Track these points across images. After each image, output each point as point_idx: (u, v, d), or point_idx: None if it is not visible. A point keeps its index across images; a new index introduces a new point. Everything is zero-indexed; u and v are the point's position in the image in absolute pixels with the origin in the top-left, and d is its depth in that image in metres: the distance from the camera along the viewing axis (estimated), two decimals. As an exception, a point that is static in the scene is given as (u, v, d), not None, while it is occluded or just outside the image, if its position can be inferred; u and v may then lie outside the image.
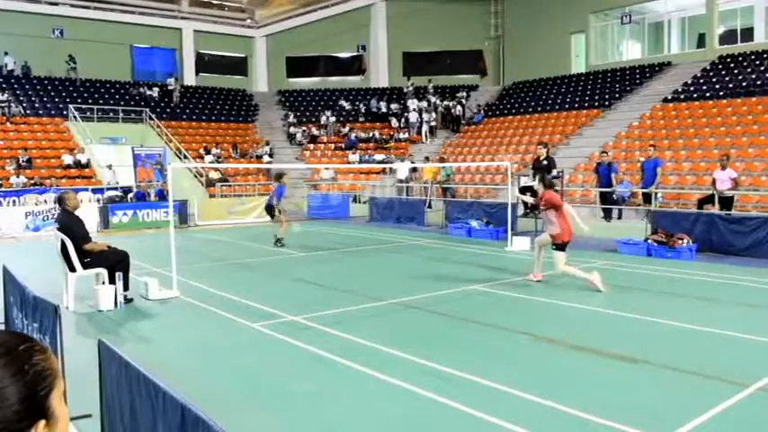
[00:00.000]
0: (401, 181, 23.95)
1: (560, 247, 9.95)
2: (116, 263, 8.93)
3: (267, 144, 31.23)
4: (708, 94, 24.52)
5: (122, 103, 32.18)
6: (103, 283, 8.84)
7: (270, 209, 16.15)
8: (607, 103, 27.85)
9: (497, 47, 36.96)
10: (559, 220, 9.91)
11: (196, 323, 8.15)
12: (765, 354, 6.47)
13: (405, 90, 35.58)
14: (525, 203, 15.59)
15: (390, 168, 27.75)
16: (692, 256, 12.88)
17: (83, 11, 34.47)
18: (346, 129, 33.20)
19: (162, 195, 21.70)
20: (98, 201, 21.07)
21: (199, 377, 5.96)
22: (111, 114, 30.84)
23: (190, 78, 37.75)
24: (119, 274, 8.81)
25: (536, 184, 13.05)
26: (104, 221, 19.43)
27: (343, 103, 36.09)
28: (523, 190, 15.64)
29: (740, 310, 8.50)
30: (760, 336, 7.06)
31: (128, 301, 8.99)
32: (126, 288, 8.98)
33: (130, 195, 22.02)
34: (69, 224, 8.77)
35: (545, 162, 15.23)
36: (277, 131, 34.77)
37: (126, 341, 7.28)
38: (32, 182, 23.30)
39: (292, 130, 34.00)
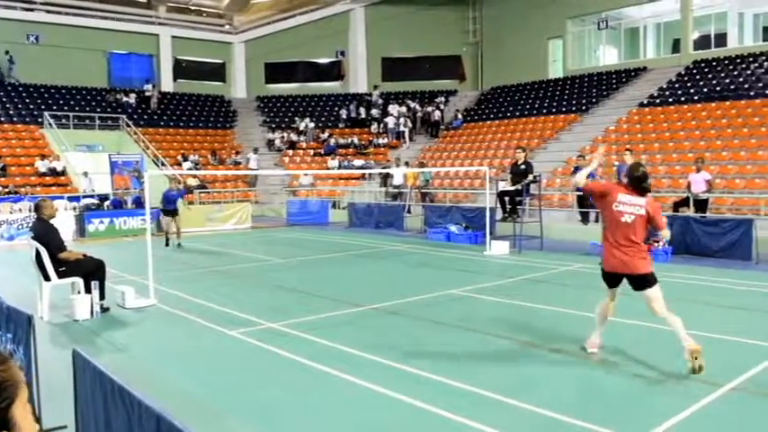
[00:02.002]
0: (396, 186, 23.93)
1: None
2: (92, 271, 8.84)
3: (255, 151, 30.99)
4: (683, 99, 24.83)
5: (99, 109, 31.86)
6: (79, 292, 8.74)
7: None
8: (584, 107, 28.10)
9: (476, 52, 37.16)
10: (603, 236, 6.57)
11: (173, 331, 8.09)
12: (739, 354, 6.56)
13: (373, 98, 35.69)
14: (504, 208, 15.70)
15: (372, 174, 27.79)
16: (668, 258, 13.03)
17: (58, 17, 34.13)
18: (325, 134, 33.17)
19: (139, 203, 21.52)
20: (74, 209, 20.83)
21: (176, 386, 5.92)
22: (88, 121, 30.55)
23: (167, 84, 37.50)
24: (95, 283, 8.71)
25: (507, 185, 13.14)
26: (80, 230, 19.22)
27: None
28: (502, 194, 15.75)
29: (714, 311, 8.61)
30: (733, 336, 7.15)
31: (104, 310, 8.89)
32: (102, 297, 8.89)
33: (107, 203, 21.79)
34: (44, 233, 8.67)
35: (523, 166, 15.29)
36: (256, 137, 34.65)
37: (102, 351, 7.20)
38: (7, 190, 23.02)
39: (271, 136, 33.91)
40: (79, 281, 8.76)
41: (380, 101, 35.43)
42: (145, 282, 9.87)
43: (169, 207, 17.07)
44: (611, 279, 6.35)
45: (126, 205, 21.84)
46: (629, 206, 6.02)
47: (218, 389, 5.84)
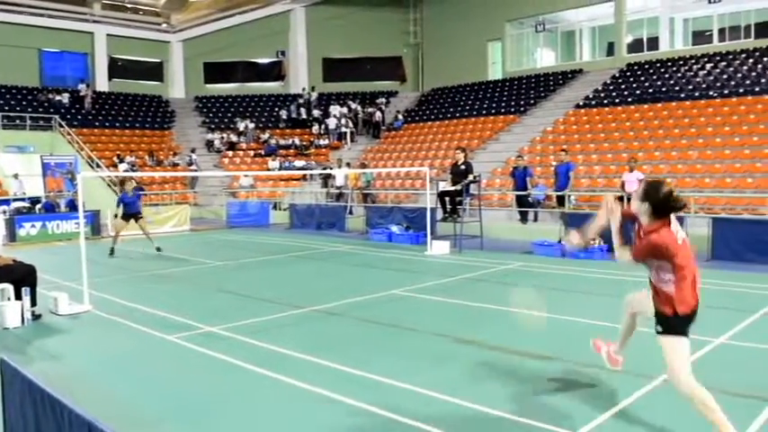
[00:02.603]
0: (338, 187, 23.88)
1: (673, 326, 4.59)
2: (22, 277, 8.54)
3: (193, 151, 30.49)
4: (617, 100, 25.54)
5: (30, 109, 30.79)
6: (9, 299, 8.43)
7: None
8: (523, 108, 28.60)
9: (416, 53, 37.45)
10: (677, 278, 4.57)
11: (109, 338, 7.88)
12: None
13: (304, 97, 35.60)
14: (444, 208, 15.84)
15: (313, 175, 27.69)
16: (604, 256, 13.35)
17: (-15, 13, 32.92)
18: (266, 135, 32.88)
19: (73, 206, 20.88)
20: (4, 212, 20.09)
21: (111, 393, 5.77)
22: (18, 122, 29.52)
23: (102, 84, 36.54)
24: (25, 289, 8.42)
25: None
26: (11, 234, 18.52)
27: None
28: (443, 194, 15.89)
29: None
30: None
31: (36, 317, 8.60)
32: (33, 304, 8.60)
33: (39, 206, 21.09)
34: (-29, 237, 8.36)
35: (463, 167, 15.47)
36: (194, 138, 34.09)
37: (34, 359, 6.98)
38: (-69, 193, 22.09)
39: (210, 136, 33.43)
40: (9, 287, 8.44)
41: (315, 102, 35.37)
42: (79, 287, 9.59)
43: (131, 210, 16.13)
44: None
45: (59, 208, 21.19)
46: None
47: (154, 395, 5.72)
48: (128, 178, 17.38)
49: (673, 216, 4.66)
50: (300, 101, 35.61)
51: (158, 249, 15.71)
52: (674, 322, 4.54)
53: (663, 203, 4.57)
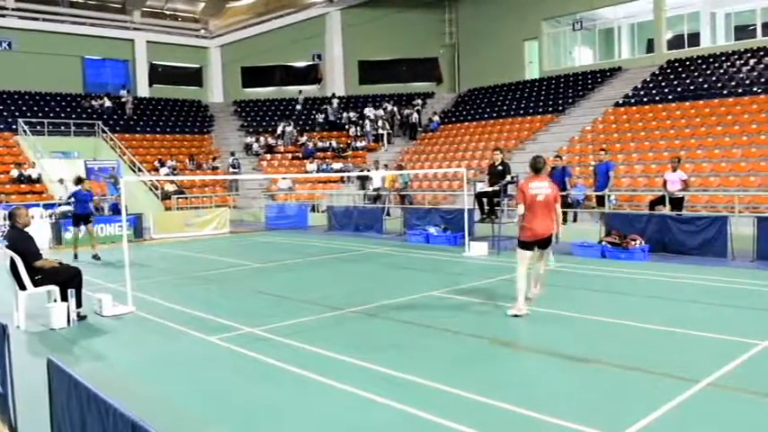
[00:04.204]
0: (376, 189, 23.96)
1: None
2: (68, 279, 8.74)
3: (233, 155, 30.89)
4: (657, 98, 25.10)
5: (74, 116, 31.55)
6: (55, 300, 8.64)
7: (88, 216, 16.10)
8: (560, 108, 28.30)
9: (452, 54, 37.32)
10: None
11: (152, 338, 8.03)
12: (715, 350, 6.63)
13: (333, 106, 35.78)
14: (482, 209, 15.76)
15: (350, 177, 27.80)
16: (645, 257, 13.15)
17: (32, 23, 33.78)
18: (303, 138, 33.11)
19: (116, 209, 21.31)
20: (50, 216, 20.60)
21: (155, 393, 5.87)
22: (63, 128, 30.23)
23: (143, 90, 37.24)
24: (71, 291, 8.62)
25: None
26: (57, 237, 19.00)
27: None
28: (480, 195, 15.82)
29: (690, 308, 8.71)
30: (709, 332, 7.24)
31: (81, 318, 8.80)
32: (79, 305, 8.80)
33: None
34: (19, 241, 8.57)
35: (500, 167, 15.37)
36: (233, 142, 34.50)
37: (79, 359, 7.13)
38: (-19, 199, 22.70)
39: (249, 140, 33.79)
40: (55, 289, 8.67)
41: (336, 108, 35.55)
42: (122, 289, 9.79)
43: (83, 211, 15.90)
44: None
45: (102, 212, 21.63)
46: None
47: (197, 395, 5.80)
48: (84, 179, 17.29)
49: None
50: (328, 107, 35.80)
51: (96, 258, 15.27)
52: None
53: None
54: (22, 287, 8.53)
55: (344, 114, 35.04)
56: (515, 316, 8.23)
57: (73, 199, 16.36)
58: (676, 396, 5.25)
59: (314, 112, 36.21)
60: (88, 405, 3.39)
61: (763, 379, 5.64)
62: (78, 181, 16.43)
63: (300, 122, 35.49)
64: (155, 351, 7.43)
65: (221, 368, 6.65)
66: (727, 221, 13.16)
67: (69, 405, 3.72)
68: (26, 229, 8.82)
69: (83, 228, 16.36)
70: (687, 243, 13.53)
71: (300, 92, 37.81)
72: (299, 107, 36.60)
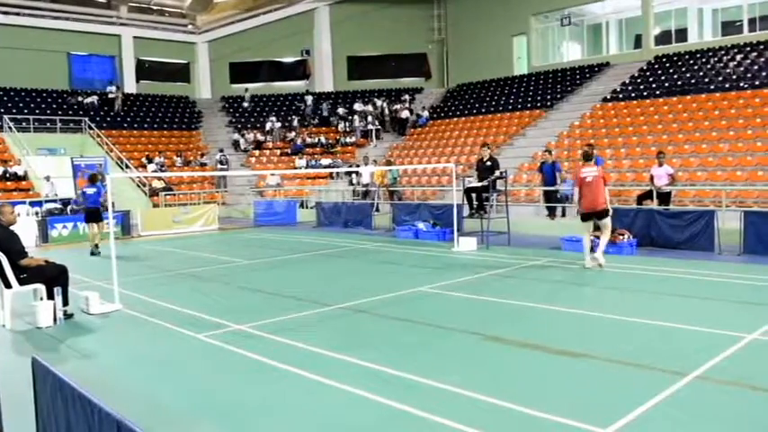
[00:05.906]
0: (365, 185, 23.92)
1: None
2: (54, 277, 8.67)
3: (221, 151, 30.76)
4: (645, 94, 25.22)
5: (60, 112, 31.33)
6: (41, 298, 8.57)
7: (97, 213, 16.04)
8: (549, 103, 28.37)
9: (441, 50, 37.34)
10: None
11: (139, 336, 7.97)
12: (702, 343, 6.66)
13: (307, 103, 35.61)
14: (471, 204, 15.77)
15: (337, 173, 27.75)
16: (633, 251, 13.21)
17: (15, 18, 33.39)
18: (292, 134, 33.02)
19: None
20: (36, 214, 20.45)
21: (143, 391, 5.82)
22: (49, 124, 30.03)
23: (130, 86, 37.01)
24: (57, 289, 8.55)
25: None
26: (43, 235, 18.85)
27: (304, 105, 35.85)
28: (469, 190, 15.83)
29: (678, 302, 8.74)
30: (697, 326, 7.27)
31: (68, 316, 8.73)
32: (65, 303, 8.73)
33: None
34: (3, 239, 8.47)
35: (489, 163, 15.39)
36: (221, 138, 34.36)
37: (66, 358, 7.08)
38: (-34, 196, 22.51)
39: (236, 136, 33.67)
40: (41, 287, 8.59)
41: (311, 107, 35.45)
42: (109, 286, 9.72)
43: (93, 205, 16.02)
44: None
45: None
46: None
47: (185, 393, 5.76)
48: (98, 177, 17.13)
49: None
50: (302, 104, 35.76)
51: (93, 253, 15.69)
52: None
53: None
54: (8, 285, 8.45)
55: (323, 109, 34.97)
56: (585, 268, 11.28)
57: (82, 197, 16.44)
58: (664, 389, 5.26)
59: (302, 107, 36.10)
60: (73, 404, 3.36)
61: (750, 371, 5.67)
62: (92, 179, 16.36)
63: (289, 118, 35.29)
64: (142, 349, 7.38)
65: (209, 366, 6.61)
66: (715, 216, 13.22)
67: (54, 404, 3.69)
68: (11, 228, 8.73)
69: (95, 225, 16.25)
70: (674, 237, 13.59)
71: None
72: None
